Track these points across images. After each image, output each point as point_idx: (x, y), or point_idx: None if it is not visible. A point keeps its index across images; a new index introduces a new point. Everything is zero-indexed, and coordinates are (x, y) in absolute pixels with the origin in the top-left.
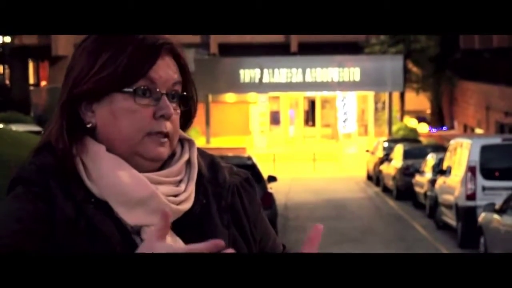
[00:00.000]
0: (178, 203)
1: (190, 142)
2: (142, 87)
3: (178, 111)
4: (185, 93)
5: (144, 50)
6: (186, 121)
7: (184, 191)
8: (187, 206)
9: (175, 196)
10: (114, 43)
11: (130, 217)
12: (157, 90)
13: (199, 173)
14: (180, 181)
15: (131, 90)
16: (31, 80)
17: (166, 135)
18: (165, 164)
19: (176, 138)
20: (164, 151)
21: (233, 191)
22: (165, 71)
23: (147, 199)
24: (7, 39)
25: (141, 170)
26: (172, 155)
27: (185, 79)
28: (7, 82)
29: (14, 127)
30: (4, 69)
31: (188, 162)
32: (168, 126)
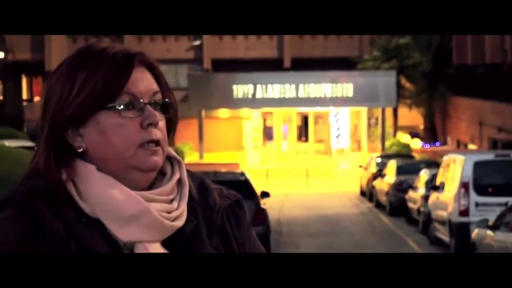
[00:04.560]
0: (172, 220)
1: (179, 162)
2: (124, 101)
3: (163, 118)
4: (166, 100)
5: (118, 65)
6: (169, 129)
7: (177, 208)
8: (180, 223)
9: (168, 213)
10: (88, 63)
11: (123, 234)
12: (140, 101)
13: (189, 195)
14: (172, 200)
15: (114, 105)
16: (25, 96)
17: (157, 143)
18: (156, 183)
19: (166, 145)
20: (158, 159)
21: (222, 213)
22: (143, 82)
23: (140, 214)
24: (0, 55)
25: (136, 186)
26: (163, 175)
27: (163, 88)
28: (1, 97)
29: (7, 143)
30: None
31: (179, 182)
32: (158, 133)
